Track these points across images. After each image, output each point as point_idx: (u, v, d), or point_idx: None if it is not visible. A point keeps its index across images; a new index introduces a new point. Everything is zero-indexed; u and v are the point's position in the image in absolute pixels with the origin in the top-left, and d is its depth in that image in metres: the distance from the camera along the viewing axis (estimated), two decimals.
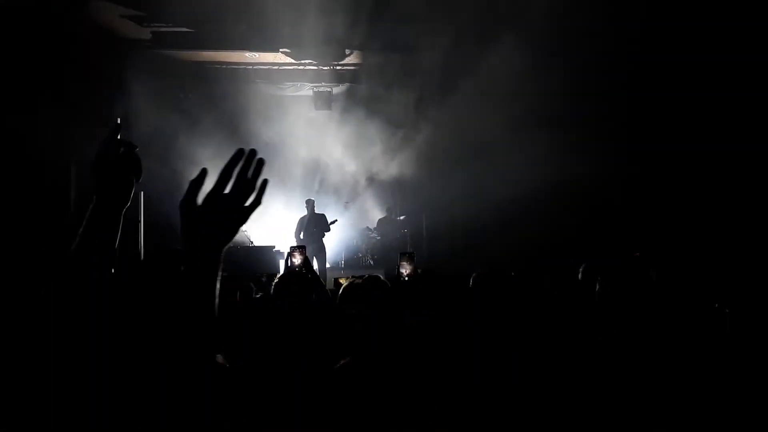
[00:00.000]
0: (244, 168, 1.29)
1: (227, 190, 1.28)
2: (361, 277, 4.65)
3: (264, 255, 10.28)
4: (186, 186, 1.30)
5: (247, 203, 1.29)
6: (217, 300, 1.24)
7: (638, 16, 9.23)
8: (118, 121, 1.54)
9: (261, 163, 1.31)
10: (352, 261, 12.97)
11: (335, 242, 12.64)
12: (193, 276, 1.23)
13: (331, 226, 11.43)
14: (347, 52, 11.43)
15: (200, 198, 1.29)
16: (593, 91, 10.58)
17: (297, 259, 3.86)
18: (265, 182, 1.30)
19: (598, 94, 10.61)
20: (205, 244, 1.25)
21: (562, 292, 4.27)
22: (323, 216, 11.41)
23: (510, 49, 9.97)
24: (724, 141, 9.60)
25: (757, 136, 9.33)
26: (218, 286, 1.24)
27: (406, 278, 3.79)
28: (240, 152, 1.30)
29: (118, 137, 1.54)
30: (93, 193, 1.49)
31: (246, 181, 1.29)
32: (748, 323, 3.09)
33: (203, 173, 1.28)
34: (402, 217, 13.04)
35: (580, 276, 4.32)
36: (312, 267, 4.16)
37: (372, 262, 12.79)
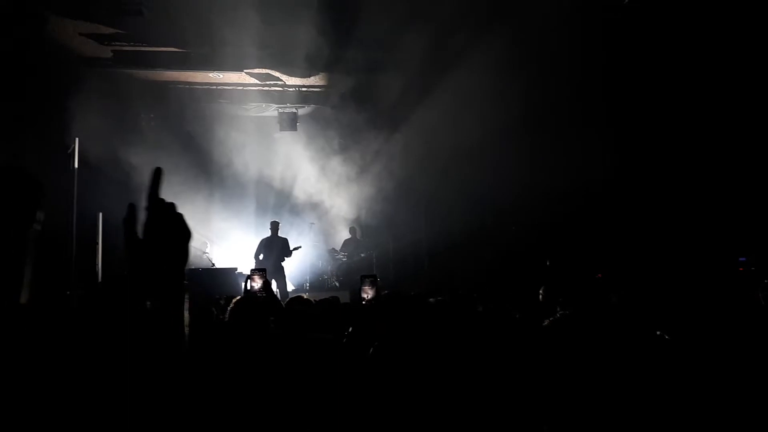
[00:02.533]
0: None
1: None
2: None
3: (226, 277, 10.11)
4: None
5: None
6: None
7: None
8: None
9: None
10: (318, 283, 12.83)
11: (300, 264, 12.52)
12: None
13: (293, 252, 11.34)
14: (313, 72, 11.44)
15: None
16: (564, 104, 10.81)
17: (257, 283, 3.78)
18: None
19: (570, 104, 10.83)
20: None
21: (522, 312, 4.29)
22: (286, 240, 11.31)
23: (475, 72, 10.16)
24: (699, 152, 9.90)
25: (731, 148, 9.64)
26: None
27: (370, 302, 3.74)
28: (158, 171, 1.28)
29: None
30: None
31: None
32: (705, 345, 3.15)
33: (131, 209, 1.27)
34: (365, 239, 13.00)
35: (540, 297, 4.35)
36: (272, 290, 4.09)
37: (338, 284, 12.68)
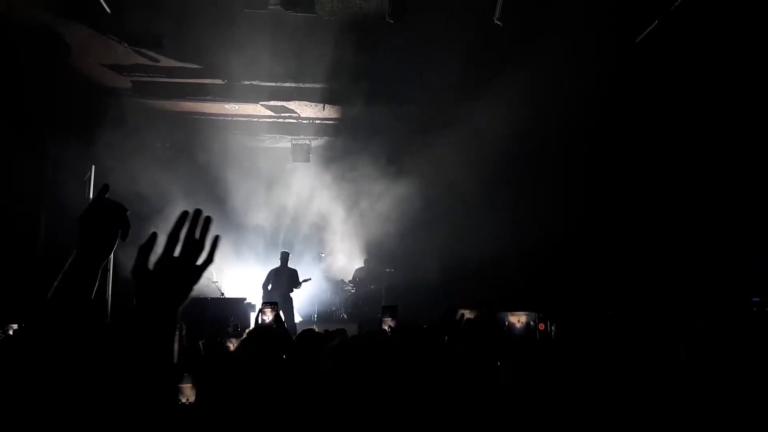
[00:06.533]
0: (191, 229, 1.30)
1: (177, 253, 1.29)
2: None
3: (235, 307, 10.09)
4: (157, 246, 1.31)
5: (199, 262, 1.30)
6: (174, 357, 1.24)
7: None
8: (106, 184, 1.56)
9: (208, 221, 1.32)
10: (325, 315, 12.75)
11: (309, 295, 12.48)
12: (149, 337, 1.23)
13: (303, 284, 11.34)
14: (327, 105, 11.59)
15: (151, 263, 1.30)
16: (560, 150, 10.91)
17: (268, 317, 3.76)
18: (216, 239, 1.32)
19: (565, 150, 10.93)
20: (159, 308, 1.25)
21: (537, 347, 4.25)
22: (295, 271, 11.30)
23: (486, 106, 10.25)
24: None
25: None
26: (176, 345, 1.25)
27: (390, 333, 3.72)
28: (185, 214, 1.32)
29: (107, 197, 1.55)
30: (75, 244, 1.49)
31: (194, 242, 1.30)
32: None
33: (153, 238, 1.30)
34: (389, 270, 12.92)
35: (552, 335, 4.32)
36: (283, 324, 4.06)
37: (345, 316, 12.61)
